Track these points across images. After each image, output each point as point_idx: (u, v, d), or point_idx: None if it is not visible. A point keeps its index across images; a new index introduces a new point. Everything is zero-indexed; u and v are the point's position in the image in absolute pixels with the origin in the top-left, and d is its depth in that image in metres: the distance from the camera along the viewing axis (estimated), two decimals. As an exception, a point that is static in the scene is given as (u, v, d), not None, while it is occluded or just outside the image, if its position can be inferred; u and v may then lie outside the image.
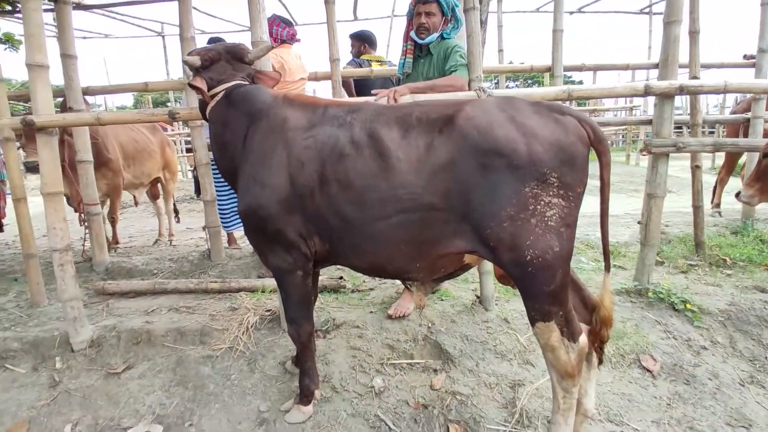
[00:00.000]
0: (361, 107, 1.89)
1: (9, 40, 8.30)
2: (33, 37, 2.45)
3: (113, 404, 2.30)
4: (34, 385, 2.47)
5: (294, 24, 3.80)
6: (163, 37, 10.02)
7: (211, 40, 3.68)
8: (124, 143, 4.80)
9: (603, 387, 2.27)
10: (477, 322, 2.73)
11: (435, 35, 2.76)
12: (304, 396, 2.14)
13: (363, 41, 4.62)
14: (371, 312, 2.89)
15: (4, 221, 5.59)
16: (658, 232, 2.87)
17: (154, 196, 5.76)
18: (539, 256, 1.59)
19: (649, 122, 3.42)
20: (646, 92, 2.54)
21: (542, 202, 1.59)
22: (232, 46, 2.11)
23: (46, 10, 6.57)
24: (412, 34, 2.84)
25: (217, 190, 4.00)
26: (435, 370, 2.44)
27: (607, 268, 1.78)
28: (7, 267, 3.99)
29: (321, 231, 1.88)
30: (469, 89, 2.59)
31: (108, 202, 4.82)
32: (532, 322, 1.70)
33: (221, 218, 4.09)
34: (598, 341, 1.84)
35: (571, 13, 10.04)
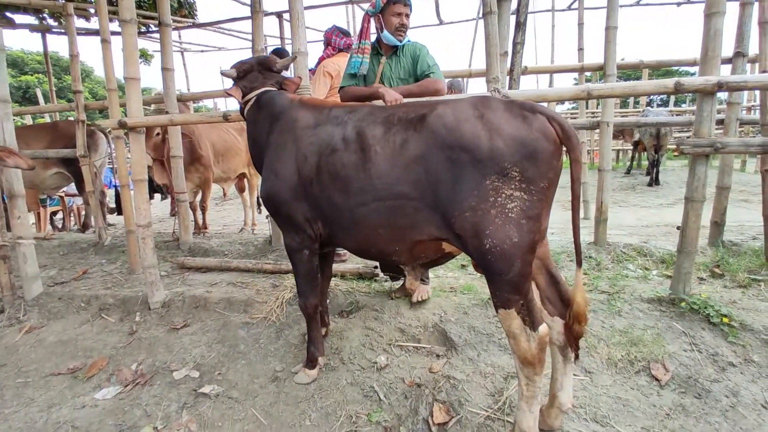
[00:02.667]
0: (359, 109, 2.13)
1: (143, 55, 9.83)
2: (129, 56, 3.08)
3: (168, 352, 2.81)
4: (118, 332, 3.11)
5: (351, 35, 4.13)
6: (265, 48, 11.16)
7: (276, 50, 4.17)
8: (215, 142, 5.56)
9: (599, 389, 2.24)
10: (488, 316, 2.81)
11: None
12: (309, 361, 2.44)
13: None
14: (392, 299, 3.10)
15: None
16: (696, 239, 2.67)
17: (240, 190, 6.54)
18: (498, 245, 1.68)
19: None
20: (677, 90, 2.41)
21: (503, 195, 1.68)
22: (263, 59, 2.48)
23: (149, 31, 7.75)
24: (387, 35, 2.76)
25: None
26: (438, 356, 2.59)
27: (578, 263, 1.80)
28: (120, 242, 4.89)
29: (321, 216, 2.16)
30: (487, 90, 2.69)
31: (200, 193, 5.63)
32: (495, 308, 1.79)
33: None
34: (572, 337, 1.86)
35: (679, 4, 9.27)
